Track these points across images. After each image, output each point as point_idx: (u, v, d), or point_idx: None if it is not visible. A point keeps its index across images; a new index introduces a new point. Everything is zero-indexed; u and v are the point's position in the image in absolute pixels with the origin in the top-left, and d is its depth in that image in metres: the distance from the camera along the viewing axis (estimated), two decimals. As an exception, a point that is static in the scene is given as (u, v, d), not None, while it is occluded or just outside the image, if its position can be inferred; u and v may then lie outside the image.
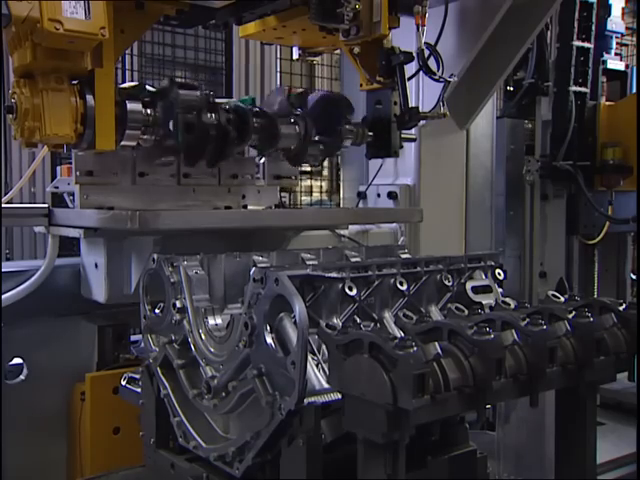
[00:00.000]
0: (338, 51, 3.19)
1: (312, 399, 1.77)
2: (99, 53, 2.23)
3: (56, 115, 2.14)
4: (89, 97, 2.22)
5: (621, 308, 1.93)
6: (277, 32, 2.87)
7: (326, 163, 6.25)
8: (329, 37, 2.74)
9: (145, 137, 2.44)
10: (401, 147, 2.91)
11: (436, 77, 2.86)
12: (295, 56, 3.10)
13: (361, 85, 2.89)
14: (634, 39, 5.98)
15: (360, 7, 2.48)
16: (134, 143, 2.46)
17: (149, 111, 2.40)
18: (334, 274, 1.97)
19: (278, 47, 5.99)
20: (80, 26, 2.04)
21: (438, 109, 3.09)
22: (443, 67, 2.90)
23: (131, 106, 2.36)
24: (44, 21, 1.96)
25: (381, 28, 2.52)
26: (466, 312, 1.99)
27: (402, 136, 2.92)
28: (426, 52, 2.83)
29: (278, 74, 6.10)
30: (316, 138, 2.81)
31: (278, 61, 6.03)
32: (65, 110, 2.17)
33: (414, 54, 2.74)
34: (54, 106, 2.14)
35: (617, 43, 5.04)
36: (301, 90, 2.94)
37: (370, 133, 2.89)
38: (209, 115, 2.46)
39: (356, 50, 2.76)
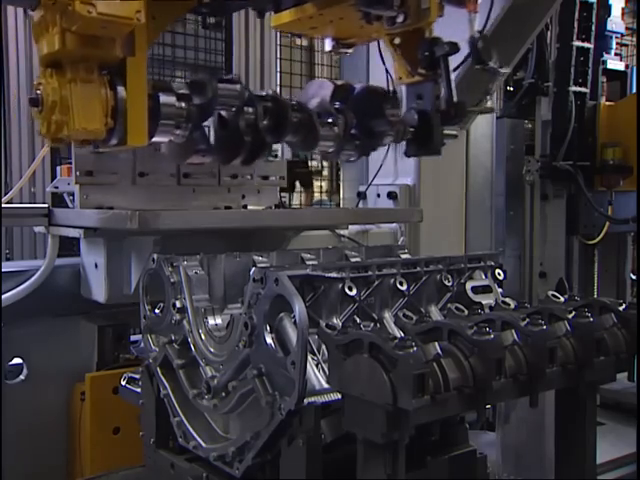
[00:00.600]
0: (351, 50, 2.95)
1: (312, 399, 1.77)
2: (131, 40, 2.05)
3: (86, 108, 1.98)
4: (120, 88, 2.06)
5: (621, 308, 1.93)
6: (312, 21, 2.66)
7: (326, 163, 6.25)
8: (366, 27, 2.58)
9: (178, 132, 2.28)
10: (443, 144, 2.75)
11: (487, 68, 2.76)
12: (328, 48, 2.90)
13: (400, 78, 2.72)
14: (634, 39, 5.98)
15: (422, 3, 2.35)
16: (166, 139, 2.33)
17: (183, 104, 2.24)
18: (334, 274, 1.97)
19: (278, 47, 5.99)
20: (114, 9, 1.87)
21: (484, 102, 2.99)
22: (495, 57, 2.79)
23: (164, 99, 2.20)
24: (76, 3, 1.80)
25: (430, 15, 2.39)
26: (466, 312, 1.99)
27: (444, 132, 2.75)
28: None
29: (278, 74, 6.10)
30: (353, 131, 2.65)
31: (278, 61, 6.03)
32: (95, 102, 2.00)
33: (459, 44, 2.56)
34: (84, 98, 1.98)
35: (617, 43, 5.04)
36: (343, 82, 2.76)
37: (411, 129, 2.71)
38: (248, 111, 2.32)
39: (397, 40, 2.62)
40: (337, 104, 2.64)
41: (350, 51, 2.92)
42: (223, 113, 2.33)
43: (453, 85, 2.58)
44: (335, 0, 2.47)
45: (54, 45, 1.94)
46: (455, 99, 2.60)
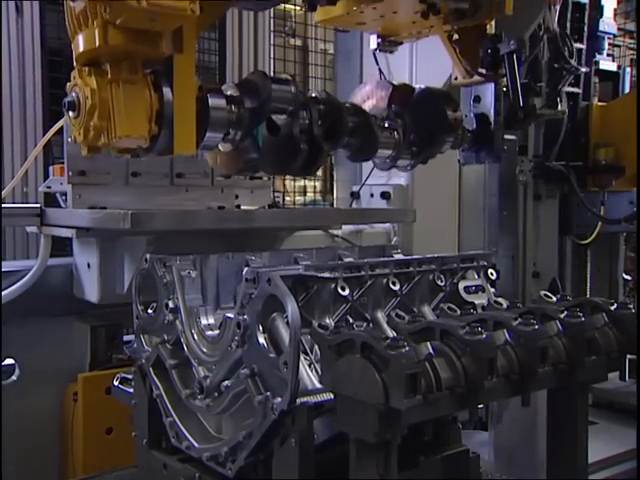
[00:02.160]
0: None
1: (304, 399, 1.77)
2: (179, 35, 1.79)
3: (129, 112, 1.73)
4: (166, 90, 1.81)
5: (612, 308, 1.94)
6: (362, 15, 2.39)
7: (320, 163, 6.25)
8: (419, 22, 2.34)
9: (228, 138, 2.04)
10: (504, 151, 2.52)
11: (568, 67, 2.59)
12: (373, 45, 2.63)
13: (456, 78, 2.50)
14: (626, 40, 6.01)
15: None
16: (215, 145, 2.07)
17: (234, 108, 2.00)
18: (327, 274, 1.97)
19: (272, 47, 5.98)
20: None
21: (554, 106, 2.81)
22: (575, 55, 2.60)
23: (214, 102, 1.95)
24: None
25: (506, 7, 2.12)
26: (458, 312, 1.99)
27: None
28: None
29: (271, 60, 6.08)
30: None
31: (272, 61, 6.02)
32: (139, 106, 1.76)
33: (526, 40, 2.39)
34: (126, 101, 1.73)
35: (609, 44, 5.05)
36: (401, 83, 2.50)
37: (469, 134, 2.49)
38: (302, 116, 2.11)
39: (455, 37, 2.38)
40: (394, 107, 2.41)
41: (395, 49, 2.68)
42: (274, 117, 2.10)
43: (520, 86, 2.37)
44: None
45: (94, 41, 1.69)
46: (523, 101, 2.38)
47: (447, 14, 2.32)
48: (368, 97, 2.43)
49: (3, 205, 3.05)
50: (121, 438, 2.99)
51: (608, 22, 4.75)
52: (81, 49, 1.75)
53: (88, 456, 3.24)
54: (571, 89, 4.44)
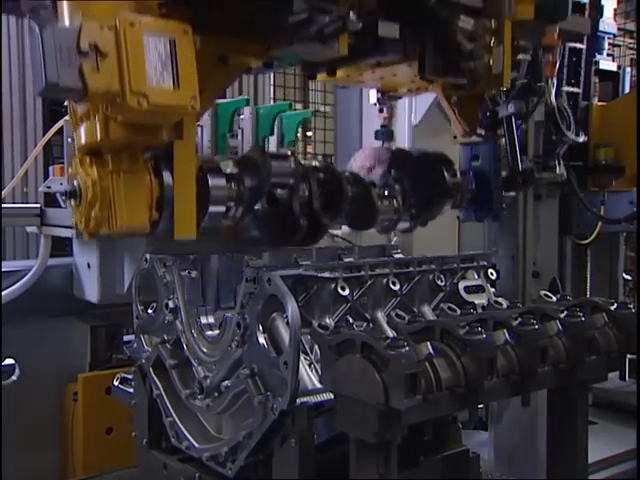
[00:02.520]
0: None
1: (304, 399, 1.77)
2: (180, 123, 1.79)
3: (130, 202, 1.73)
4: (166, 175, 1.80)
5: (612, 308, 1.94)
6: (362, 77, 2.43)
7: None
8: (419, 81, 2.33)
9: (229, 215, 2.02)
10: (503, 209, 2.51)
11: (565, 138, 2.63)
12: (373, 100, 2.66)
13: (455, 137, 2.50)
14: (626, 40, 6.01)
15: (494, 68, 2.09)
16: (216, 224, 2.04)
17: (233, 186, 1.99)
18: (327, 274, 1.97)
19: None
20: (168, 98, 1.62)
21: (554, 169, 2.82)
22: (573, 125, 2.65)
23: (214, 182, 1.93)
24: (126, 95, 1.56)
25: (503, 81, 2.11)
26: (458, 312, 1.99)
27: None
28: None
29: (271, 87, 6.08)
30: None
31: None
32: (140, 195, 1.76)
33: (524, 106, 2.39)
34: (127, 191, 1.72)
35: (609, 44, 5.06)
36: (399, 149, 2.50)
37: (468, 193, 2.50)
38: (302, 189, 2.09)
39: (454, 98, 2.39)
40: (394, 172, 2.41)
41: (395, 103, 2.70)
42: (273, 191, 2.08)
43: (518, 149, 2.38)
44: (393, 61, 2.24)
45: (96, 135, 1.70)
46: (521, 165, 2.40)
47: (446, 85, 2.35)
48: (367, 163, 2.44)
49: (3, 205, 3.05)
50: (121, 438, 2.99)
51: (608, 22, 4.75)
52: (83, 141, 1.76)
53: (88, 456, 3.25)
54: (571, 89, 4.43)
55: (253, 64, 2.13)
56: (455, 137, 2.49)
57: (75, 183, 1.76)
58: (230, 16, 1.74)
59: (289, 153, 2.14)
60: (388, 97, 2.63)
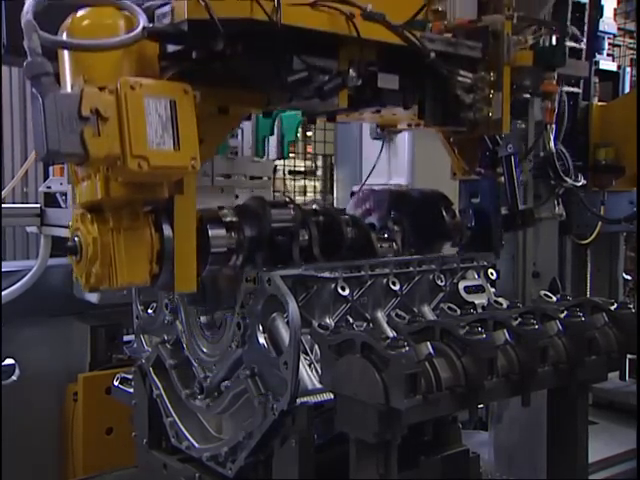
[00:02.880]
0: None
1: (304, 399, 1.77)
2: (180, 179, 1.80)
3: (130, 259, 1.72)
4: (167, 228, 1.79)
5: (612, 308, 1.94)
6: (362, 116, 2.43)
7: (320, 163, 6.25)
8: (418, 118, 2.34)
9: (229, 264, 1.99)
10: (502, 247, 2.48)
11: (565, 182, 2.65)
12: (372, 136, 2.73)
13: (454, 174, 2.52)
14: (626, 40, 6.01)
15: (493, 114, 2.07)
16: (216, 273, 2.03)
17: (233, 234, 1.97)
18: (326, 274, 1.97)
19: None
20: (168, 160, 1.63)
21: (552, 209, 2.81)
22: (572, 169, 2.66)
23: (214, 232, 1.93)
24: (127, 159, 1.57)
25: (502, 127, 2.09)
26: (459, 312, 1.99)
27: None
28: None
29: None
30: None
31: None
32: (141, 252, 1.75)
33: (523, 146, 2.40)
34: (128, 248, 1.72)
35: (609, 44, 5.05)
36: (398, 190, 2.50)
37: (467, 231, 2.47)
38: (303, 235, 2.08)
39: (453, 138, 2.41)
40: (393, 214, 2.41)
41: (394, 137, 2.73)
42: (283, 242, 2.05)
43: (518, 189, 2.39)
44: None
45: (96, 194, 1.70)
46: (521, 206, 2.41)
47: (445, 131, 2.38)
48: (366, 205, 2.45)
49: (3, 205, 3.06)
50: (121, 438, 2.99)
51: (608, 22, 4.75)
52: (83, 199, 1.75)
53: (88, 456, 3.25)
54: (571, 89, 4.44)
55: (254, 112, 2.12)
56: (455, 174, 2.51)
57: (75, 239, 1.75)
58: (230, 71, 1.75)
59: (288, 200, 2.14)
60: (388, 131, 2.66)
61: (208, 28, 1.61)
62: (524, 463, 2.15)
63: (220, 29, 1.60)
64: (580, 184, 2.87)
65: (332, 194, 5.09)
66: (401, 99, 2.11)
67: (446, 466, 1.89)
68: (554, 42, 2.31)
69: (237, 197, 2.94)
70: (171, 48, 1.75)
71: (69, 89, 1.65)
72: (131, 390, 2.43)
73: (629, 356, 1.94)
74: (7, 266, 3.20)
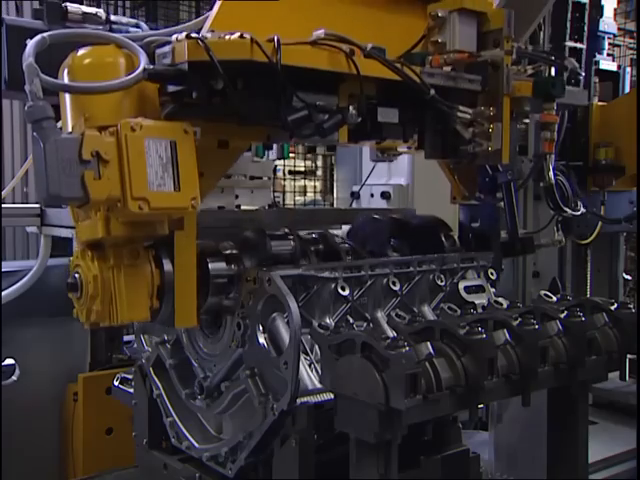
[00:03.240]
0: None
1: (305, 399, 1.77)
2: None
3: (131, 297, 1.73)
4: (167, 264, 1.79)
5: (612, 308, 1.94)
6: (361, 143, 2.45)
7: (320, 163, 6.26)
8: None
9: (230, 297, 1.98)
10: (502, 270, 2.49)
11: (564, 212, 2.64)
12: (372, 158, 2.71)
13: (454, 198, 2.54)
14: (626, 40, 6.01)
15: (492, 144, 2.07)
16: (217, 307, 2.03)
17: (234, 266, 1.96)
18: (327, 274, 1.97)
19: None
20: (168, 201, 1.64)
21: (552, 236, 2.83)
22: (571, 197, 2.67)
23: (214, 266, 1.93)
24: (128, 201, 1.58)
25: (502, 157, 2.09)
26: (459, 312, 1.99)
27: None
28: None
29: None
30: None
31: None
32: (141, 289, 1.75)
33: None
34: (128, 286, 1.72)
35: (609, 44, 5.06)
36: (397, 217, 2.50)
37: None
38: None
39: (452, 164, 2.44)
40: (392, 241, 2.42)
41: (395, 159, 2.73)
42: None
43: (517, 216, 2.41)
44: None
45: (97, 232, 1.70)
46: (520, 233, 2.43)
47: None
48: (365, 231, 2.45)
49: (3, 205, 3.05)
50: (121, 438, 2.99)
51: (608, 22, 4.75)
52: (84, 237, 1.75)
53: (88, 456, 3.25)
54: (571, 89, 4.43)
55: (255, 143, 2.12)
56: (455, 198, 2.53)
57: (76, 276, 1.75)
58: (230, 108, 1.73)
59: (287, 231, 2.15)
60: (387, 154, 2.68)
61: (208, 69, 1.61)
62: (524, 463, 2.15)
63: (220, 71, 1.60)
64: (579, 213, 2.91)
65: (332, 194, 5.09)
66: (401, 132, 2.14)
67: (446, 466, 1.89)
68: (553, 72, 2.35)
69: (237, 197, 2.94)
70: (171, 88, 1.75)
71: (70, 128, 1.68)
72: (131, 390, 2.44)
73: (629, 356, 1.94)
74: (7, 266, 3.20)
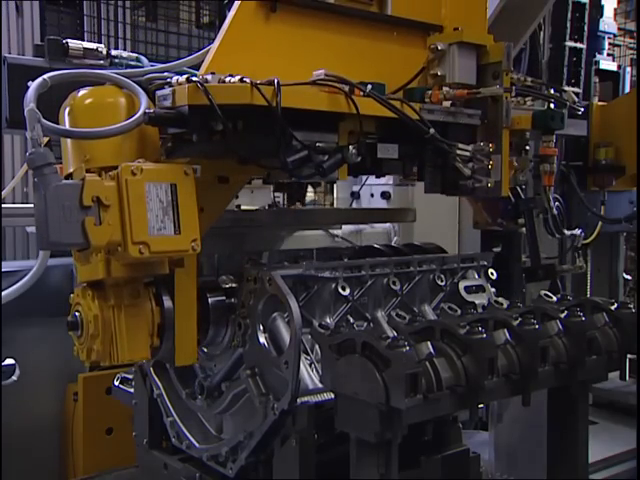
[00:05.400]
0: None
1: (305, 399, 1.77)
2: None
3: (131, 336, 1.72)
4: (167, 301, 1.79)
5: (613, 307, 1.94)
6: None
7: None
8: None
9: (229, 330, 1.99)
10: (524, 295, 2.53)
11: (563, 235, 2.68)
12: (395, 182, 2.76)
13: (476, 223, 2.57)
14: (626, 40, 6.01)
15: (492, 185, 2.09)
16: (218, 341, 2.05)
17: (234, 300, 1.97)
18: (327, 274, 1.97)
19: None
20: (169, 245, 1.64)
21: (572, 261, 2.88)
22: (566, 221, 2.70)
23: (213, 301, 1.94)
24: (128, 246, 1.58)
25: (501, 190, 2.11)
26: (459, 312, 1.99)
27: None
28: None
29: None
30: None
31: None
32: (141, 327, 1.74)
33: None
34: (129, 325, 1.71)
35: (609, 44, 5.06)
36: (397, 247, 2.51)
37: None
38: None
39: None
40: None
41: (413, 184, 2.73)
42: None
43: (539, 243, 2.44)
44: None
45: (98, 274, 1.70)
46: (542, 260, 2.45)
47: None
48: None
49: (3, 205, 3.05)
50: (121, 438, 2.99)
51: (608, 22, 4.76)
52: (84, 278, 1.75)
53: (88, 456, 3.25)
54: (571, 89, 4.44)
55: (255, 176, 2.19)
56: (477, 223, 2.56)
57: (76, 314, 1.75)
58: (229, 149, 1.73)
59: (286, 264, 2.16)
60: (407, 179, 2.67)
61: (208, 111, 1.61)
62: (524, 463, 2.15)
63: (220, 115, 1.60)
64: (578, 233, 2.96)
65: (332, 194, 5.09)
66: (401, 167, 2.17)
67: (446, 466, 1.89)
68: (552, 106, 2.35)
69: (237, 197, 2.94)
70: (172, 130, 1.76)
71: (71, 168, 1.69)
72: (131, 390, 2.43)
73: (629, 356, 1.94)
74: (7, 266, 3.20)
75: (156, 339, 1.78)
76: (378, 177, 2.30)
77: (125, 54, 2.54)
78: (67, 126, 1.75)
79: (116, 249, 1.61)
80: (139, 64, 2.51)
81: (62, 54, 2.37)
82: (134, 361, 1.81)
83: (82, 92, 1.75)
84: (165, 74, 1.93)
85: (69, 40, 2.41)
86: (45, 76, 1.71)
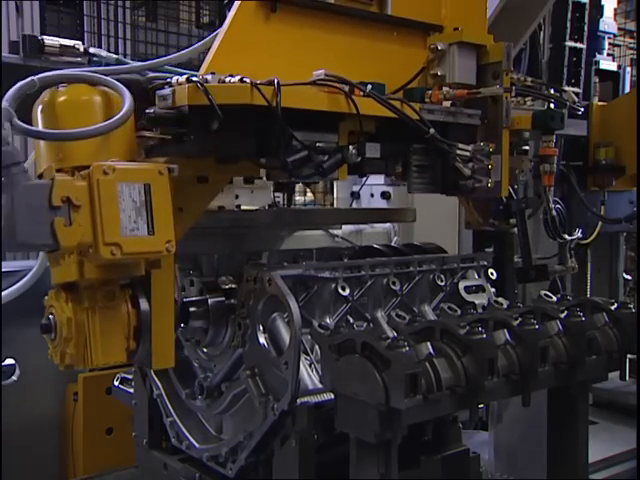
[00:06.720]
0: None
1: (305, 399, 1.77)
2: None
3: (106, 339, 1.68)
4: (144, 304, 1.75)
5: (613, 308, 1.94)
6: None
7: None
8: None
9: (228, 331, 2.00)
10: (516, 293, 2.54)
11: (563, 239, 2.72)
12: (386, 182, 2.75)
13: (469, 223, 2.57)
14: (626, 40, 6.01)
15: (492, 185, 2.09)
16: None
17: (233, 300, 1.98)
18: (327, 274, 1.97)
19: None
20: (142, 246, 1.59)
21: (565, 262, 2.90)
22: (567, 224, 2.71)
23: (213, 301, 1.95)
24: (99, 247, 1.53)
25: (501, 189, 2.12)
26: (459, 312, 1.99)
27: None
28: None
29: None
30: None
31: None
32: (116, 329, 1.70)
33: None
34: (103, 328, 1.67)
35: (609, 44, 5.06)
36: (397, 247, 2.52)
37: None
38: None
39: None
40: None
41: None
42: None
43: (531, 244, 2.44)
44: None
45: (70, 275, 1.66)
46: (534, 261, 2.46)
47: None
48: None
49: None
50: (121, 438, 2.99)
51: (608, 22, 4.75)
52: (57, 280, 1.71)
53: (88, 456, 3.25)
54: (571, 89, 4.44)
55: (235, 177, 2.18)
56: (469, 223, 2.56)
57: (50, 317, 1.71)
58: (225, 146, 1.73)
59: (286, 265, 2.15)
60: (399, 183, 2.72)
61: (208, 111, 1.60)
62: (524, 463, 2.15)
63: (220, 115, 1.59)
64: (577, 236, 2.97)
65: (332, 194, 5.08)
66: (383, 167, 2.16)
67: (446, 466, 1.89)
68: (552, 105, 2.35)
69: (237, 197, 2.94)
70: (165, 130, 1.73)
71: (43, 166, 1.64)
72: (131, 390, 2.43)
73: (629, 356, 1.94)
74: (7, 266, 3.20)
75: (132, 342, 1.73)
76: (361, 177, 2.30)
77: (104, 53, 2.48)
78: (40, 125, 1.69)
79: (88, 250, 1.57)
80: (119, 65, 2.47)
81: (38, 51, 2.33)
82: (109, 364, 1.75)
83: (55, 90, 1.70)
84: (162, 74, 1.91)
85: (45, 37, 2.36)
86: (34, 77, 1.67)
